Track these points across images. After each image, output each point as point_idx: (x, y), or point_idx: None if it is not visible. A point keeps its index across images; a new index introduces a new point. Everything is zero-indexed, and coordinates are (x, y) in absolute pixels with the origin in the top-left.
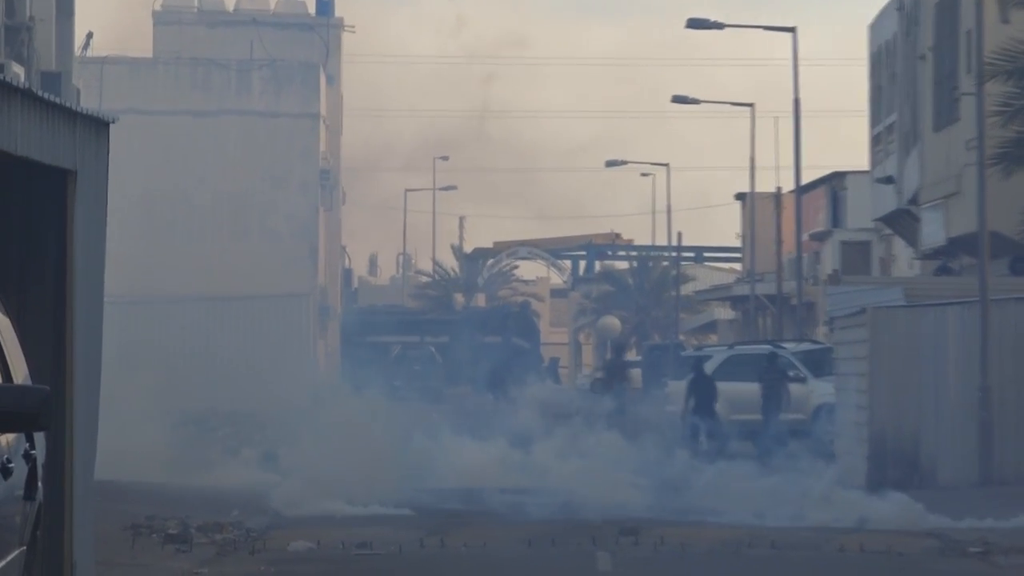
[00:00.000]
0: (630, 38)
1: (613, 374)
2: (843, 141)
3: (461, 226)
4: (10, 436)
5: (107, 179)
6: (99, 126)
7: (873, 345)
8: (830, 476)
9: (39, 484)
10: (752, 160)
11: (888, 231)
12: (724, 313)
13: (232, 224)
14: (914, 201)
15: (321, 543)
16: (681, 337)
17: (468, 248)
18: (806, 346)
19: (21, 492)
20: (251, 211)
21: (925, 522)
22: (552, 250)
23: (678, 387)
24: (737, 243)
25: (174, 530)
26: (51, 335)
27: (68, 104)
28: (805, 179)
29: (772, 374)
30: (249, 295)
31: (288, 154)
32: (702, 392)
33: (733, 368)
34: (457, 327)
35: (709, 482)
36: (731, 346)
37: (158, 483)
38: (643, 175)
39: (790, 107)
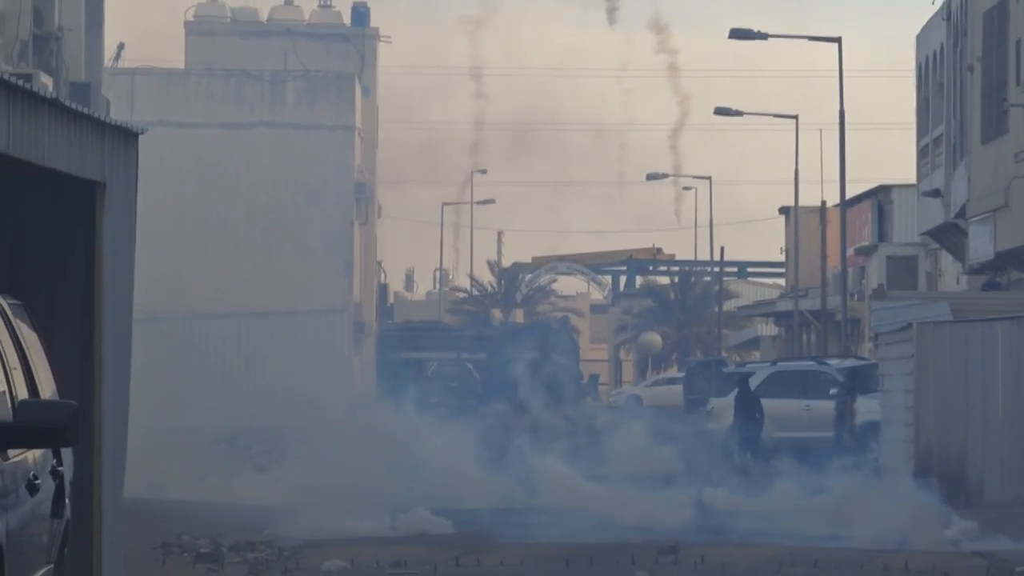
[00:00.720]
0: (674, 49)
1: (745, 407)
2: (889, 154)
3: (499, 241)
4: (37, 452)
5: (136, 191)
6: (128, 137)
7: (919, 361)
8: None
9: (67, 501)
10: (796, 173)
11: (935, 245)
12: (767, 329)
13: (265, 238)
14: (961, 215)
15: (355, 562)
16: (724, 353)
17: (506, 263)
18: (851, 362)
19: (48, 509)
20: (285, 225)
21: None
22: (592, 265)
23: (720, 404)
24: (781, 258)
25: (205, 549)
26: (79, 350)
27: (97, 115)
28: (850, 193)
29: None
30: (283, 311)
31: (322, 167)
32: (746, 408)
33: (776, 385)
34: (494, 343)
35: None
36: (774, 362)
37: (189, 501)
38: (685, 189)
39: (835, 119)
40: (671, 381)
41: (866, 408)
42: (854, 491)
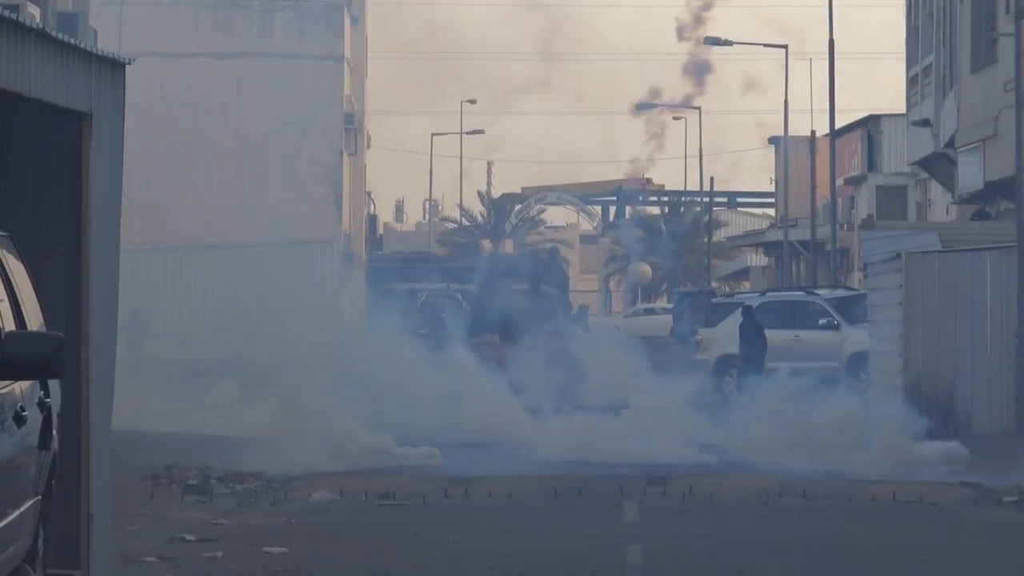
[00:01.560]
0: None
1: (749, 335)
2: (879, 84)
3: (489, 171)
4: (24, 384)
5: (123, 122)
6: (115, 68)
7: (908, 291)
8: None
9: (54, 433)
10: (786, 103)
11: (924, 175)
12: (757, 259)
13: (254, 169)
14: (951, 144)
15: (343, 493)
16: (713, 284)
17: (495, 194)
18: (840, 293)
19: (36, 441)
20: (274, 156)
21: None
22: (581, 195)
23: (710, 335)
24: (770, 188)
25: (194, 480)
26: (66, 282)
27: (84, 46)
28: (840, 122)
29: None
30: (272, 242)
31: (312, 97)
32: (751, 336)
33: (766, 315)
34: (484, 274)
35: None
36: (763, 293)
37: (177, 433)
38: (675, 118)
39: (825, 49)
40: (649, 311)
41: (855, 338)
42: (843, 422)
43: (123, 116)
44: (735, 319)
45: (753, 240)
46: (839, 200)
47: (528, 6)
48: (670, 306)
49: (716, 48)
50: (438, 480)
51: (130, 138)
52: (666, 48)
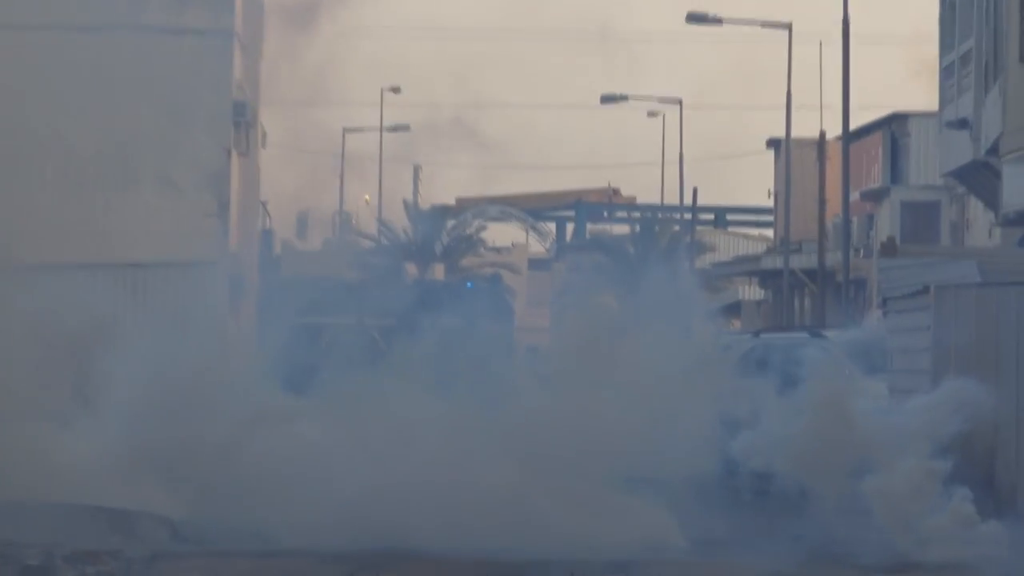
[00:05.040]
0: None
1: None
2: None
3: (416, 177)
4: None
5: None
6: None
7: (938, 334)
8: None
9: None
10: (788, 97)
11: (961, 189)
12: (751, 292)
13: (119, 171)
14: (994, 151)
15: None
16: None
17: (424, 205)
18: (854, 335)
19: None
20: (143, 155)
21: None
22: (532, 209)
23: None
24: (769, 203)
25: (34, 560)
26: None
27: None
28: (857, 122)
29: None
30: (140, 262)
31: (193, 82)
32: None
33: (760, 362)
34: (408, 306)
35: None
36: (757, 333)
37: (20, 499)
38: (650, 115)
39: (838, 30)
40: None
41: (871, 392)
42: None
43: None
44: None
45: (746, 268)
46: (854, 219)
47: None
48: None
49: (703, 28)
50: (339, 565)
51: None
52: (641, 24)
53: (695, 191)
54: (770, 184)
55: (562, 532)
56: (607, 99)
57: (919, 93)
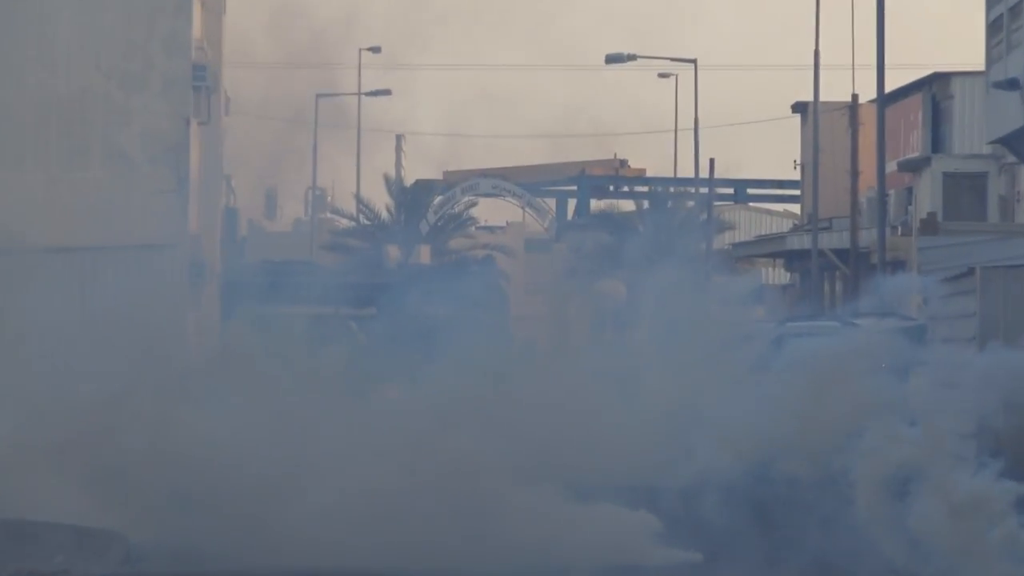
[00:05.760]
0: None
1: None
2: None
3: (398, 147)
4: None
5: None
6: None
7: (985, 320)
8: None
9: None
10: (816, 54)
11: (1011, 158)
12: (775, 275)
13: (63, 143)
14: None
15: None
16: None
17: (408, 180)
18: (891, 322)
19: None
20: (91, 124)
21: None
22: (529, 184)
23: None
24: (795, 175)
25: None
26: None
27: None
28: (893, 83)
29: None
30: (88, 245)
31: (146, 41)
32: None
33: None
34: (389, 293)
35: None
36: (782, 322)
37: None
38: (661, 76)
39: None
40: None
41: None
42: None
43: None
44: None
45: (770, 248)
46: (890, 193)
47: None
48: None
49: None
50: None
51: None
52: None
53: (712, 162)
54: (796, 154)
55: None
56: (612, 59)
57: (963, 49)
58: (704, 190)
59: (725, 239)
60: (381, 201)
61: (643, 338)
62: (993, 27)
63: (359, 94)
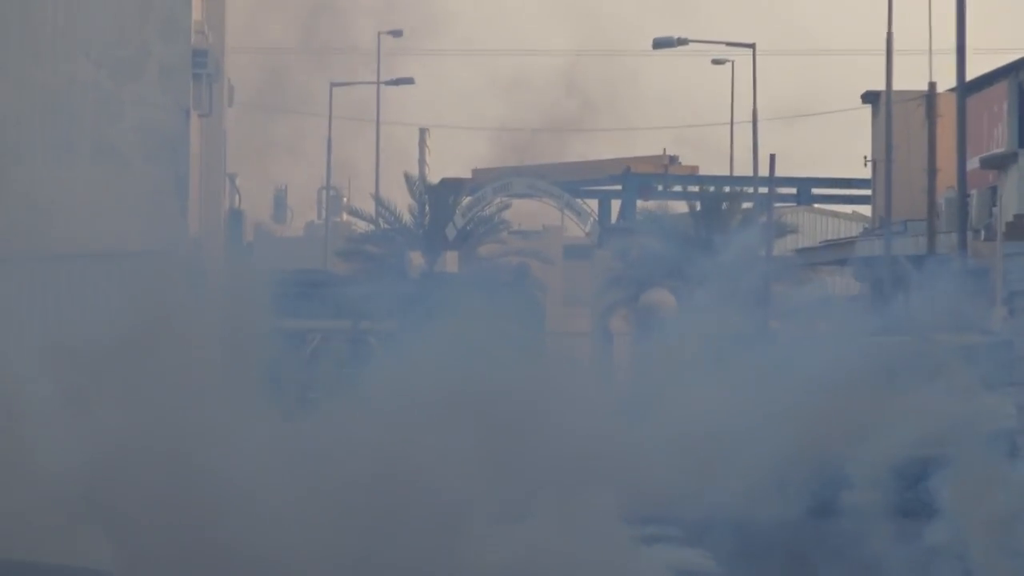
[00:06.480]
0: None
1: None
2: None
3: (422, 142)
4: None
5: None
6: None
7: None
8: None
9: None
10: (889, 38)
11: None
12: (842, 283)
13: (49, 138)
14: None
15: None
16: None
17: (433, 179)
18: (972, 338)
19: None
20: (80, 117)
21: None
22: (568, 183)
23: None
24: (865, 173)
25: None
26: None
27: None
28: (976, 70)
29: None
30: (78, 251)
31: (141, 26)
32: None
33: None
34: (411, 305)
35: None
36: (849, 337)
37: None
38: (715, 62)
39: None
40: None
41: (994, 409)
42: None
43: None
44: None
45: (837, 254)
46: (972, 192)
47: None
48: None
49: None
50: None
51: None
52: None
53: (772, 159)
54: (867, 150)
55: None
56: (661, 43)
57: None
58: (763, 190)
59: (787, 244)
60: (403, 202)
61: (690, 355)
62: None
63: (378, 83)
